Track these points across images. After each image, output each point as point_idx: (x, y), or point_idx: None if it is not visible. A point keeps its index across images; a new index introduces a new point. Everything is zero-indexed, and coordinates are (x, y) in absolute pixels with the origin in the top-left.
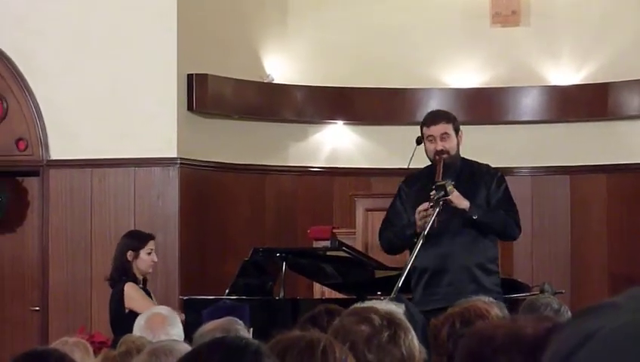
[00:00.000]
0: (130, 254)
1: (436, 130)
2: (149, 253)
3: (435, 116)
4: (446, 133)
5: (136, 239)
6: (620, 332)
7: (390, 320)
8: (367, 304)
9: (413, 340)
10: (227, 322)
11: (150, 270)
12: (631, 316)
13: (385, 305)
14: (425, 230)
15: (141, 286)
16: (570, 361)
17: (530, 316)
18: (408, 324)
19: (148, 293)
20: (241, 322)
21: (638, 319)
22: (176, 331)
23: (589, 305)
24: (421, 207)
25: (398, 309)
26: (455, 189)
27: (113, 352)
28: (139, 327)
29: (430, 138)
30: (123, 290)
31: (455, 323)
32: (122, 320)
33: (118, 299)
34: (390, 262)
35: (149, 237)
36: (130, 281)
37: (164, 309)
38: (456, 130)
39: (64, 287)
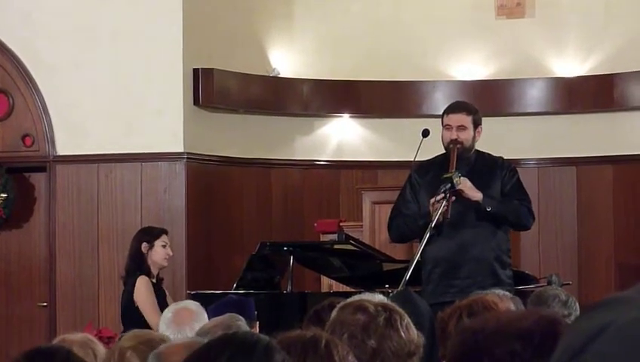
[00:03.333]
0: (144, 246)
1: (454, 119)
2: (164, 246)
3: (456, 106)
4: (462, 124)
5: (150, 233)
6: (631, 326)
7: (384, 306)
8: (355, 297)
9: (409, 323)
10: (228, 318)
11: (165, 263)
12: None
13: (373, 296)
14: (432, 222)
15: (154, 280)
16: (583, 355)
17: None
18: (402, 311)
19: (163, 292)
20: (242, 318)
21: None
22: None
23: (600, 299)
24: (434, 199)
25: (382, 298)
26: (467, 180)
27: (118, 345)
28: (165, 320)
29: (447, 126)
30: (135, 283)
31: (462, 316)
32: (131, 313)
33: (129, 291)
34: (398, 255)
35: (163, 231)
36: (143, 275)
37: (193, 304)
38: (476, 124)
39: (71, 283)
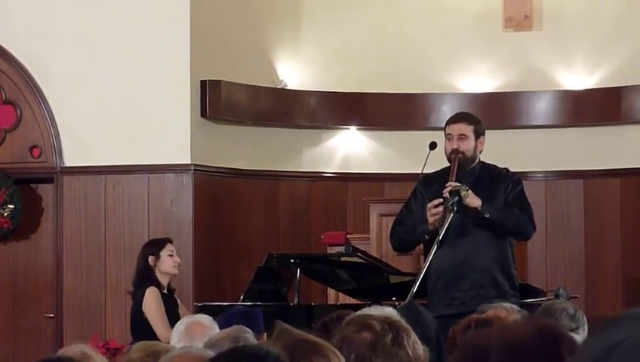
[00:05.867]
0: (151, 259)
1: (455, 128)
2: (170, 255)
3: (457, 116)
4: (464, 134)
5: (155, 245)
6: None
7: (390, 323)
8: (359, 312)
9: (416, 340)
10: (236, 330)
11: (175, 271)
12: None
13: (376, 309)
14: (440, 235)
15: (165, 291)
16: None
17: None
18: (407, 325)
19: (175, 302)
20: (249, 330)
21: None
22: None
23: (610, 317)
24: (431, 204)
25: (392, 311)
26: (470, 193)
27: (126, 357)
28: (177, 332)
29: (449, 136)
30: (145, 294)
31: (472, 329)
32: (140, 324)
33: (139, 303)
34: (405, 267)
35: (166, 240)
36: (152, 286)
37: (205, 319)
38: (477, 134)
39: (78, 294)
